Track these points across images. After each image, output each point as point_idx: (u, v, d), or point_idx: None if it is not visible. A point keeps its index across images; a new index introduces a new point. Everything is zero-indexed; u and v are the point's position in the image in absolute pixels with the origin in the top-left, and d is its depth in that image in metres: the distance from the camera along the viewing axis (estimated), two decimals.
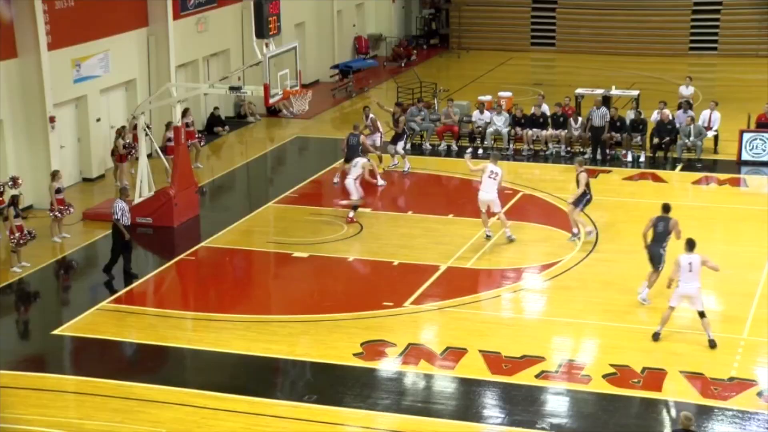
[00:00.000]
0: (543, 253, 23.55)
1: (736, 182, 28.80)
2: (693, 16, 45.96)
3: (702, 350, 18.68)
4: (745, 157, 29.95)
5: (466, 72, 43.29)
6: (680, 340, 19.13)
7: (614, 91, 33.48)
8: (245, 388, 17.56)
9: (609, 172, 29.63)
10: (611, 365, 18.11)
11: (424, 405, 17.12)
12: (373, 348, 18.94)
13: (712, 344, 18.61)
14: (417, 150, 31.92)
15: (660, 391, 17.34)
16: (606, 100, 32.50)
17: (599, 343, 19.33)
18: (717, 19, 45.73)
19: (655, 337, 18.95)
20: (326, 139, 33.46)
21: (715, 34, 45.74)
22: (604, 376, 17.77)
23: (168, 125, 29.51)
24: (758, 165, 29.64)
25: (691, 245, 18.89)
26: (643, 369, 17.96)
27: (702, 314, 18.80)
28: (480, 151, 31.39)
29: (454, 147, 32.01)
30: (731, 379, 17.63)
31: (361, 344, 19.02)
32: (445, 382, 17.88)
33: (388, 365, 18.48)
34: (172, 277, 23.03)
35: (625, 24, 46.32)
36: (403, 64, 44.97)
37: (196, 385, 17.68)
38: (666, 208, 20.92)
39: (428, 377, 18.03)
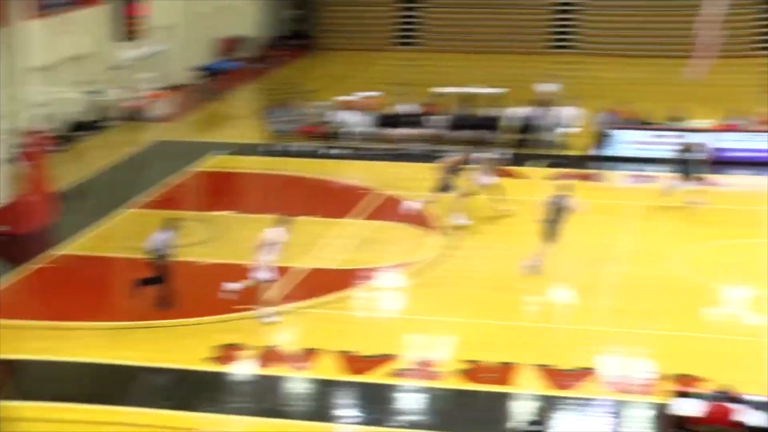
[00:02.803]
0: (401, 251, 23.74)
1: (591, 177, 29.42)
2: (553, 15, 46.80)
3: (551, 342, 19.08)
4: (601, 152, 30.64)
5: (331, 72, 43.42)
6: (531, 334, 19.50)
7: (476, 89, 33.88)
8: (99, 396, 17.31)
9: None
10: (465, 360, 18.36)
11: (280, 407, 17.12)
12: (229, 352, 18.87)
13: None
14: (283, 151, 31.90)
15: (512, 384, 17.64)
16: (469, 99, 32.94)
17: (453, 339, 19.56)
18: (576, 18, 46.68)
19: None
20: (188, 142, 33.20)
21: (575, 33, 46.68)
22: (456, 372, 18.01)
23: (24, 131, 28.88)
24: (614, 161, 30.33)
25: None
26: (496, 363, 18.24)
27: None
28: (344, 151, 31.55)
29: (318, 147, 32.04)
30: (577, 368, 18.03)
31: (217, 348, 18.93)
32: (301, 384, 17.91)
33: (243, 368, 18.43)
34: (27, 285, 22.58)
35: (488, 22, 46.95)
36: (267, 66, 44.88)
37: (49, 396, 17.37)
38: (564, 187, 22.23)
39: (284, 379, 18.03)
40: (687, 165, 25.68)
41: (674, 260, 22.78)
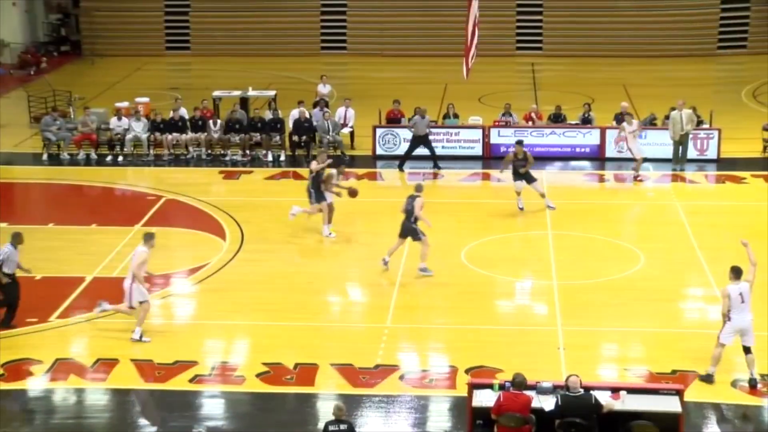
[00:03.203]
0: (190, 257, 23.51)
1: (373, 176, 29.88)
2: (322, 17, 47.16)
3: (350, 342, 19.29)
4: (379, 151, 31.14)
5: (101, 79, 42.40)
6: (329, 335, 19.67)
7: (251, 92, 33.82)
8: None
9: (251, 172, 29.94)
10: (264, 364, 18.33)
11: (76, 420, 16.71)
12: (17, 368, 18.24)
13: (753, 383, 17.42)
14: (55, 160, 31.01)
15: (313, 385, 17.75)
16: (244, 102, 32.86)
17: (251, 342, 19.52)
18: (344, 20, 47.19)
19: (708, 378, 17.52)
20: None
21: (344, 33, 47.20)
22: (257, 375, 17.98)
23: None
24: (391, 159, 30.84)
25: (737, 273, 17.29)
26: (296, 365, 18.30)
27: (748, 350, 17.47)
28: (120, 158, 30.95)
29: (94, 156, 31.29)
30: (377, 366, 18.30)
31: (2, 365, 18.25)
32: (97, 395, 17.52)
33: (34, 384, 17.85)
34: None
35: (259, 25, 46.88)
36: (32, 72, 43.44)
37: None
38: (418, 188, 22.40)
39: (79, 391, 17.58)
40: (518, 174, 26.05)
41: (461, 255, 23.36)
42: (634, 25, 45.54)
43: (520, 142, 26.40)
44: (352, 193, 24.76)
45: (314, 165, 24.56)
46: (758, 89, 38.89)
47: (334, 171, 24.94)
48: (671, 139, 29.52)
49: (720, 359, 17.53)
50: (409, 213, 22.05)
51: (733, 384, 17.59)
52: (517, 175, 25.75)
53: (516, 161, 25.73)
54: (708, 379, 17.54)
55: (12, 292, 19.81)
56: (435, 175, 29.37)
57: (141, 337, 19.17)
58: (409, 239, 22.31)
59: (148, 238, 19.62)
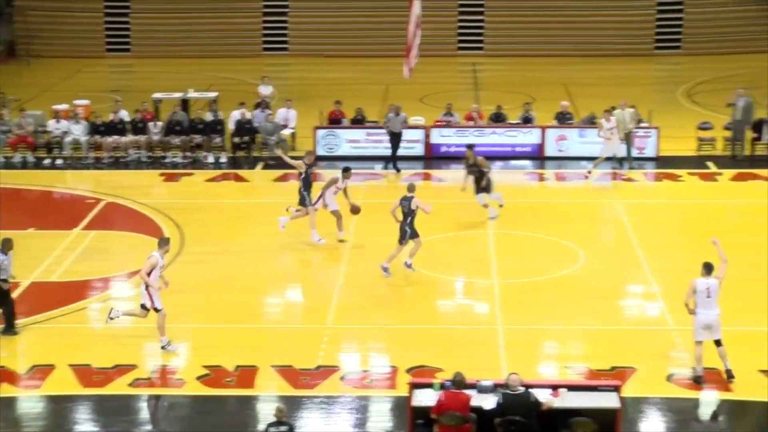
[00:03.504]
0: (131, 260, 23.30)
1: (315, 177, 29.77)
2: (264, 18, 47.04)
3: (291, 343, 19.27)
4: (320, 152, 31.09)
5: (38, 80, 41.97)
6: (270, 336, 19.63)
7: (192, 94, 33.63)
8: None
9: (191, 174, 29.80)
10: (204, 366, 18.25)
11: (12, 430, 16.49)
12: None
13: (730, 375, 17.52)
14: None
15: (253, 387, 17.70)
16: (184, 103, 32.69)
17: (192, 345, 19.41)
18: (285, 21, 47.10)
19: (698, 380, 17.54)
20: None
21: (285, 35, 47.09)
22: (198, 378, 17.89)
23: None
24: (332, 160, 30.84)
25: (708, 269, 17.64)
26: (236, 367, 18.24)
27: (718, 342, 17.58)
28: (59, 161, 30.66)
29: (31, 159, 30.97)
30: (318, 367, 18.29)
31: None
32: (32, 403, 17.32)
33: None
34: None
35: (200, 27, 46.62)
36: None
37: None
38: (410, 188, 22.16)
39: (13, 400, 17.36)
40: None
41: (402, 254, 23.39)
42: (574, 25, 45.88)
43: (470, 146, 26.28)
44: (355, 210, 24.22)
45: (300, 163, 24.12)
46: (693, 89, 39.36)
47: (338, 175, 24.34)
48: (618, 137, 29.75)
49: (701, 357, 17.51)
50: (407, 215, 21.95)
51: (669, 378, 17.79)
52: (478, 188, 25.45)
53: (468, 167, 25.60)
54: (697, 379, 17.55)
55: (7, 298, 19.57)
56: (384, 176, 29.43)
57: (169, 344, 18.86)
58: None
59: (163, 243, 19.18)
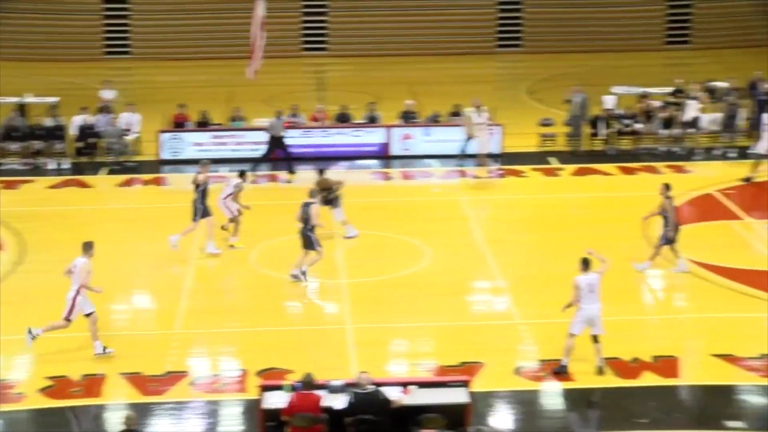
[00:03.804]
0: None
1: (160, 181, 29.48)
2: (104, 20, 46.11)
3: (139, 349, 18.96)
4: (164, 156, 30.73)
5: None
6: (117, 343, 19.19)
7: (30, 99, 32.77)
8: None
9: (32, 181, 29.07)
10: (47, 377, 17.82)
11: None
12: None
13: (601, 371, 17.87)
14: None
15: (100, 396, 17.36)
16: (22, 108, 31.86)
17: (33, 356, 18.83)
18: (127, 24, 46.29)
19: (562, 370, 17.84)
20: None
21: (128, 38, 46.30)
22: (40, 390, 17.44)
23: None
24: (178, 163, 30.51)
25: (586, 264, 17.89)
26: (83, 376, 17.85)
27: (596, 339, 17.86)
28: None
29: None
30: (167, 373, 18.06)
31: None
32: None
33: None
34: None
35: (39, 29, 45.34)
36: None
37: None
38: (312, 193, 21.99)
39: None
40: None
41: (249, 257, 23.29)
42: (417, 24, 46.29)
43: (321, 171, 25.32)
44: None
45: (201, 177, 23.43)
46: (534, 86, 40.20)
47: (238, 180, 24.17)
48: (466, 136, 30.16)
49: (572, 349, 17.82)
50: (305, 221, 21.68)
51: (516, 371, 18.13)
52: (329, 203, 24.80)
53: (322, 191, 24.54)
54: (561, 370, 17.86)
55: None
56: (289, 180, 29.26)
57: (105, 349, 18.45)
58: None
59: (88, 247, 18.82)
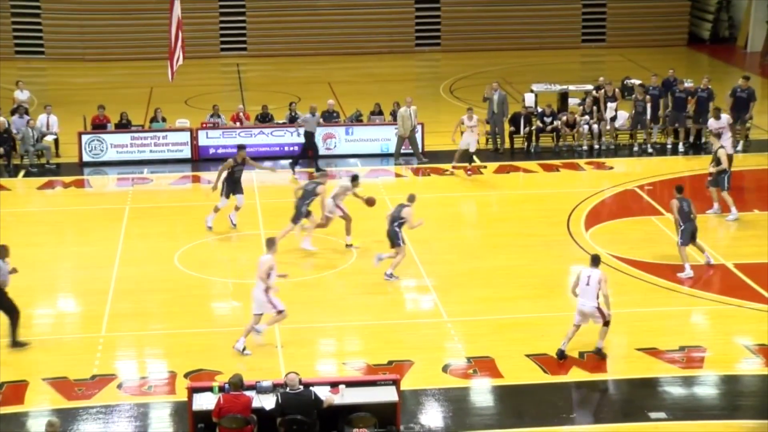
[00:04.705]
0: None
1: (80, 184, 29.09)
2: (14, 19, 45.35)
3: (64, 354, 18.69)
4: (86, 158, 30.34)
5: None
6: (41, 348, 18.95)
7: None
8: None
9: None
10: None
11: None
12: None
13: (561, 355, 18.36)
14: None
15: (23, 403, 17.05)
16: None
17: None
18: (40, 23, 45.59)
19: (560, 355, 18.28)
20: None
21: (41, 38, 45.62)
22: None
23: None
24: (99, 165, 30.15)
25: (595, 261, 18.43)
26: (2, 384, 17.53)
27: (606, 323, 18.31)
28: None
29: None
30: (93, 377, 17.84)
31: None
32: None
33: None
34: None
35: None
36: None
37: None
38: (410, 198, 22.44)
39: None
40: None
41: (175, 258, 23.09)
42: (335, 24, 46.36)
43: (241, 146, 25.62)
44: (370, 202, 24.29)
45: (321, 189, 23.58)
46: (454, 84, 40.42)
47: (348, 184, 24.25)
48: (399, 135, 30.18)
49: (571, 336, 18.38)
50: (394, 219, 22.02)
51: (444, 369, 18.21)
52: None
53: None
54: (560, 355, 18.33)
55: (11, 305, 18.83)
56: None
57: (259, 332, 18.88)
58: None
59: (271, 243, 19.07)
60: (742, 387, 17.93)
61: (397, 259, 22.14)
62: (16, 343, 18.85)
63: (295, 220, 23.39)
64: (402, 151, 30.56)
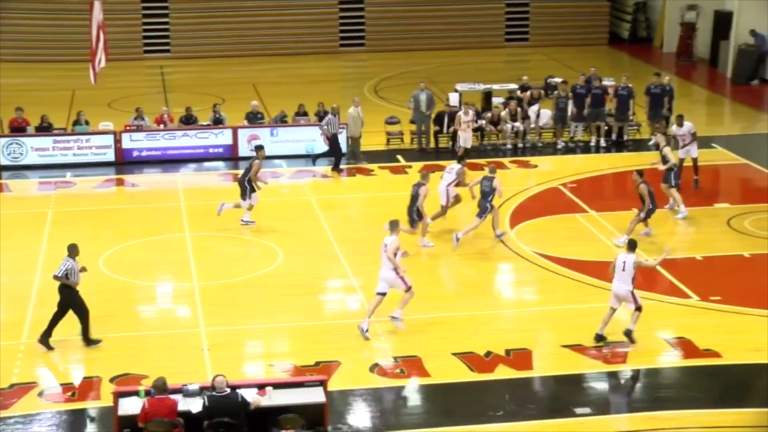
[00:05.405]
0: None
1: (0, 188, 28.66)
2: None
3: None
4: (4, 162, 29.84)
5: None
6: None
7: None
8: None
9: None
10: None
11: None
12: None
13: (599, 341, 18.99)
14: None
15: None
16: None
17: None
18: None
19: (599, 338, 18.92)
20: None
21: None
22: None
23: None
24: (17, 169, 29.70)
25: (631, 246, 19.06)
26: None
27: (639, 308, 18.85)
28: None
29: None
30: (12, 386, 17.56)
31: None
32: None
33: None
34: None
35: None
36: None
37: None
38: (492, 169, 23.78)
39: None
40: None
41: (99, 262, 22.83)
42: (259, 25, 46.14)
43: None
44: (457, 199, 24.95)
45: (424, 189, 23.61)
46: (379, 84, 40.47)
47: (458, 166, 25.05)
48: (350, 136, 30.06)
49: (608, 320, 18.96)
50: (486, 193, 23.47)
51: (372, 369, 18.23)
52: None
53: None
54: (598, 338, 18.91)
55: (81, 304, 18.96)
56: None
57: (398, 318, 19.65)
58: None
59: (395, 225, 19.76)
60: (663, 379, 18.26)
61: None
62: (90, 341, 18.96)
63: (411, 223, 23.60)
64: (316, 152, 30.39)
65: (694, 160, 27.10)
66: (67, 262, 18.92)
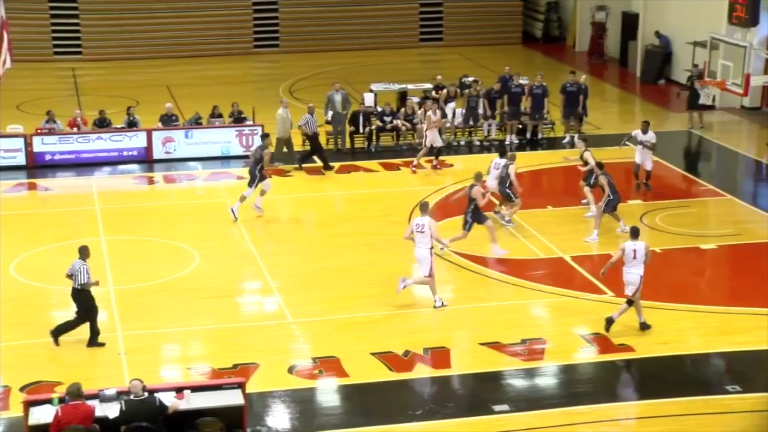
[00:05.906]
0: None
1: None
2: None
3: None
4: None
5: None
6: None
7: None
8: None
9: None
10: None
11: None
12: None
13: (644, 326, 19.56)
14: None
15: None
16: None
17: None
18: None
19: (643, 327, 19.50)
20: None
21: None
22: None
23: None
24: None
25: (635, 233, 19.42)
26: None
27: (630, 302, 19.30)
28: None
29: None
30: None
31: None
32: None
33: None
34: None
35: None
36: None
37: None
38: (477, 176, 23.39)
39: None
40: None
41: (11, 268, 22.46)
42: (172, 26, 45.75)
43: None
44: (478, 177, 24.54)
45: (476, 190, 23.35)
46: (294, 85, 40.36)
47: (503, 161, 25.29)
48: (279, 137, 29.69)
49: (640, 309, 19.53)
50: (503, 180, 24.51)
51: (290, 370, 18.19)
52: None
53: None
54: (643, 327, 19.51)
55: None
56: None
57: (443, 303, 20.56)
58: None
59: (425, 207, 20.93)
60: (579, 375, 18.45)
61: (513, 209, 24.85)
62: (97, 344, 19.02)
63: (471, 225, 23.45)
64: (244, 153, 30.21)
65: (648, 173, 27.58)
66: (81, 265, 18.94)
